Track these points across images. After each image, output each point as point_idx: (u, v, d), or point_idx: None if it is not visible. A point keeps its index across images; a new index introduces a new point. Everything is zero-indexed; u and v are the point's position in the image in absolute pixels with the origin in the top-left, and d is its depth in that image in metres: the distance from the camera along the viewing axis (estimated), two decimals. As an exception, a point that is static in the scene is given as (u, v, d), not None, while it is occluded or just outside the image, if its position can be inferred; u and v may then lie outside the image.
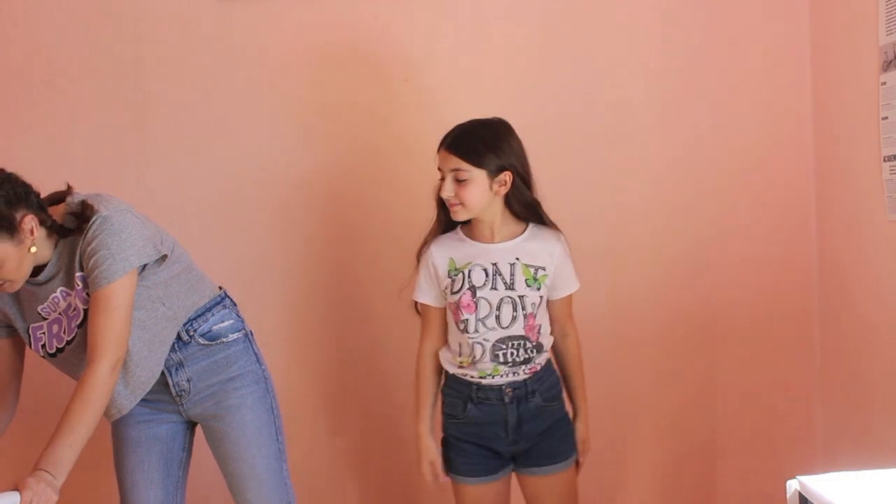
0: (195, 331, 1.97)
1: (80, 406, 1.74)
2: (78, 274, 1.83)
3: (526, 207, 2.03)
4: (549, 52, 2.55)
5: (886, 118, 2.21)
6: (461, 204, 1.97)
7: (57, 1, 2.50)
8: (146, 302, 1.88)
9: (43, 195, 1.86)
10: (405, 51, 2.54)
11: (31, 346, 1.92)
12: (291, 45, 2.52)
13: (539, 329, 2.03)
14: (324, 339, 2.59)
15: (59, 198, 1.88)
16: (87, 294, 1.82)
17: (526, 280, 2.00)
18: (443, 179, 2.00)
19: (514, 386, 2.03)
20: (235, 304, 2.09)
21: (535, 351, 2.03)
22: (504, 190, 1.99)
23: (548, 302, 2.06)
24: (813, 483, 1.37)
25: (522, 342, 2.01)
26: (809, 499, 1.36)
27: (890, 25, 2.17)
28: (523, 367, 2.02)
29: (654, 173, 2.58)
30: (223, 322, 2.01)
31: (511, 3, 2.55)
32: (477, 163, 1.95)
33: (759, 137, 2.58)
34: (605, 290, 2.56)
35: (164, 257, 1.90)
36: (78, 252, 1.82)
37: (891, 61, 2.17)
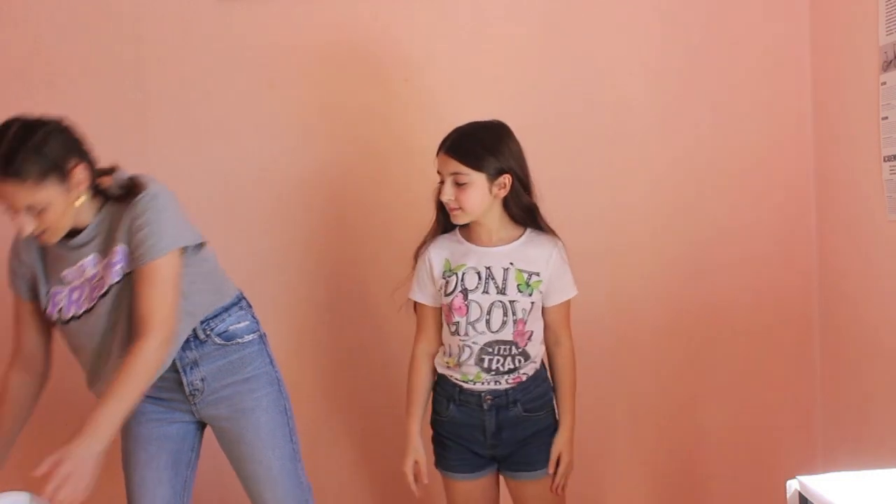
0: (212, 330, 1.97)
1: (126, 378, 1.77)
2: (119, 246, 1.84)
3: (524, 211, 2.03)
4: (549, 52, 2.55)
5: (886, 118, 2.21)
6: (461, 208, 1.97)
7: (57, 1, 2.50)
8: None
9: None
10: (405, 51, 2.54)
11: (46, 310, 1.92)
12: (291, 45, 2.52)
13: (529, 336, 2.01)
14: (324, 338, 2.59)
15: (105, 172, 1.91)
16: (121, 270, 1.83)
17: (518, 285, 1.99)
18: (442, 183, 1.99)
19: (495, 394, 2.02)
20: (251, 306, 2.09)
21: (521, 359, 2.02)
22: (503, 193, 1.98)
23: (543, 308, 2.05)
24: (813, 483, 1.37)
25: (510, 347, 2.00)
26: (809, 499, 1.36)
27: (890, 25, 2.17)
28: (507, 377, 2.01)
29: (654, 173, 2.58)
30: (240, 323, 2.02)
31: (511, 3, 2.55)
32: (476, 166, 1.95)
33: (759, 138, 2.58)
34: (605, 291, 2.56)
35: (201, 245, 1.94)
36: (123, 224, 1.83)
37: (891, 61, 2.17)
